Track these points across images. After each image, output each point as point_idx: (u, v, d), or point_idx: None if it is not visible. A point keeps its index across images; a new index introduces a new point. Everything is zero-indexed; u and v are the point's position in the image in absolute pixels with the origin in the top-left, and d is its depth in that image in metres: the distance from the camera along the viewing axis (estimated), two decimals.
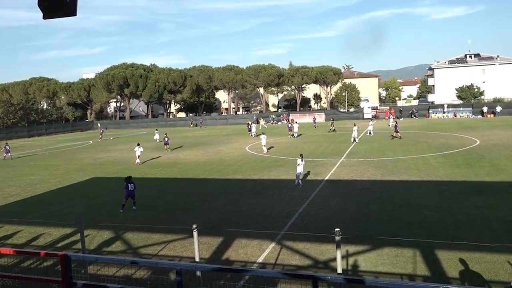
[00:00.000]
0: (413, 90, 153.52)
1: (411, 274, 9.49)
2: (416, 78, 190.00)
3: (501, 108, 60.62)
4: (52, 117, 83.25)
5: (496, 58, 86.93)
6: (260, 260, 10.77)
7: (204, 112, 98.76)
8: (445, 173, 20.32)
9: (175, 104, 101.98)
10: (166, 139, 36.02)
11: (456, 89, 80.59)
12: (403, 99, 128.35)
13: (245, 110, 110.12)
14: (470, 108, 64.46)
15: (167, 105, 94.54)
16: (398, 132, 36.39)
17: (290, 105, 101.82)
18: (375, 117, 67.22)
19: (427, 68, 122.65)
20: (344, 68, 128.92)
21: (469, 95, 77.77)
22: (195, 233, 7.49)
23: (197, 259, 7.58)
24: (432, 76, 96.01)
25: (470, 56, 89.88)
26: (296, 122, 48.94)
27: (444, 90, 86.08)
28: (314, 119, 61.93)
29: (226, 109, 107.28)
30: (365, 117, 67.19)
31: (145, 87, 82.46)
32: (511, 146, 28.22)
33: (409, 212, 14.14)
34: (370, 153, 28.36)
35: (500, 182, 17.91)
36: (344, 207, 15.21)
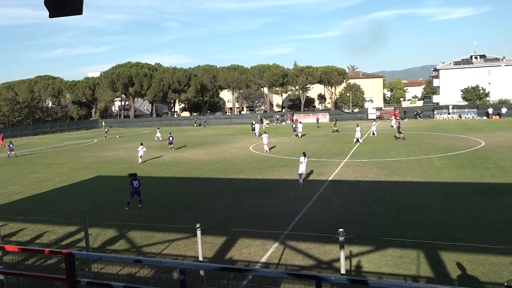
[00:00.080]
0: (418, 91, 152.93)
1: (415, 275, 9.46)
2: (421, 79, 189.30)
3: (506, 110, 60.28)
4: (57, 115, 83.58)
5: (502, 60, 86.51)
6: (263, 260, 10.77)
7: (208, 111, 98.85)
8: (450, 175, 20.24)
9: (180, 103, 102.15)
10: (171, 138, 36.07)
11: (461, 90, 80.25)
12: (407, 100, 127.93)
13: (249, 110, 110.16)
14: (475, 110, 64.15)
15: (172, 104, 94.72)
16: (401, 133, 36.29)
17: (294, 105, 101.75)
18: (379, 117, 67.06)
19: (432, 69, 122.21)
20: (348, 68, 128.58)
21: (474, 96, 77.42)
22: (198, 232, 7.49)
23: (200, 258, 7.58)
24: (437, 77, 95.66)
25: (476, 57, 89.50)
26: (300, 122, 48.90)
27: (449, 91, 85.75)
28: (317, 119, 61.87)
29: (230, 108, 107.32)
30: (369, 117, 67.01)
31: (149, 86, 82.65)
32: None
33: (413, 213, 14.10)
34: (374, 154, 28.30)
35: (505, 184, 17.82)
36: (348, 208, 15.18)
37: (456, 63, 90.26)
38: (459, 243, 10.95)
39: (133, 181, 16.34)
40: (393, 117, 59.44)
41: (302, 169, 19.72)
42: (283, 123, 71.42)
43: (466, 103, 74.76)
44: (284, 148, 34.61)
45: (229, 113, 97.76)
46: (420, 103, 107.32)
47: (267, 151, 31.82)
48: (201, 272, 7.30)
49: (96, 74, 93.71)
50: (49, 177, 25.20)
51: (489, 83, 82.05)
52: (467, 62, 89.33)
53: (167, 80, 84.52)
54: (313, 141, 39.20)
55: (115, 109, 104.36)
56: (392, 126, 50.13)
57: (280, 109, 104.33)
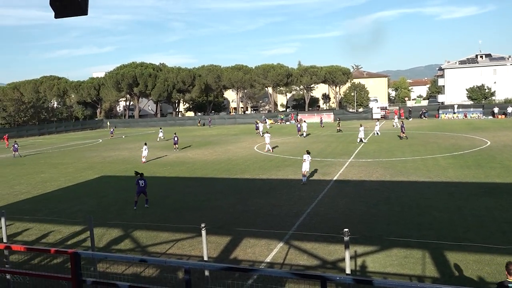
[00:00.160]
0: (423, 90, 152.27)
1: (420, 275, 9.43)
2: (426, 78, 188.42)
3: None
4: (62, 116, 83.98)
5: (508, 59, 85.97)
6: (268, 259, 10.77)
7: (213, 111, 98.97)
8: (455, 174, 20.15)
9: (184, 103, 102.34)
10: (176, 138, 36.13)
11: (466, 89, 79.83)
12: (412, 100, 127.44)
13: (254, 110, 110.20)
14: (481, 109, 63.81)
15: (176, 104, 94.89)
16: (403, 133, 36.19)
17: (299, 105, 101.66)
18: (384, 117, 66.85)
19: (437, 68, 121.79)
20: (353, 68, 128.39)
21: (479, 96, 77.01)
22: (203, 232, 7.50)
23: (205, 258, 7.59)
24: (442, 76, 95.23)
25: (481, 56, 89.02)
26: (304, 121, 48.88)
27: (455, 91, 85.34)
28: (321, 119, 61.76)
29: (235, 108, 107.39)
30: (374, 117, 66.84)
31: (154, 86, 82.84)
32: None
33: (418, 213, 14.05)
34: (379, 154, 28.22)
35: (511, 184, 17.72)
36: (353, 208, 15.15)
37: (462, 62, 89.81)
38: (465, 243, 10.90)
39: (139, 181, 16.41)
40: (396, 116, 59.19)
41: (305, 167, 19.79)
42: (288, 123, 71.37)
43: (472, 102, 74.37)
44: (289, 148, 34.59)
45: (234, 113, 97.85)
46: (425, 103, 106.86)
47: (269, 150, 31.91)
48: (206, 272, 7.32)
49: (101, 74, 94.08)
50: (54, 177, 25.32)
51: (495, 82, 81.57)
52: (473, 61, 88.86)
53: (172, 80, 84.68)
54: (318, 140, 39.15)
55: (120, 109, 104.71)
56: (394, 126, 50.01)
57: (284, 109, 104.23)
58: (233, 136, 48.55)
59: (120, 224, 14.29)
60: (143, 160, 29.55)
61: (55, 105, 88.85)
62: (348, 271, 6.67)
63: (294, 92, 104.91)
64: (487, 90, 77.43)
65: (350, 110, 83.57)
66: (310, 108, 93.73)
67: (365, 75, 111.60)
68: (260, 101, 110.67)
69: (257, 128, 49.06)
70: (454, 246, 10.77)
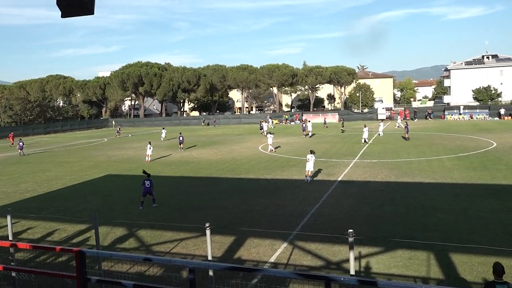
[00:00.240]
0: (428, 91, 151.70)
1: (425, 277, 9.39)
2: (431, 79, 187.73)
3: None
4: (68, 115, 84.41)
5: None
6: (272, 259, 10.77)
7: (218, 111, 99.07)
8: (461, 176, 20.05)
9: (189, 103, 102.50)
10: (181, 138, 36.20)
11: (472, 90, 79.40)
12: (418, 100, 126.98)
13: (259, 110, 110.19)
14: (487, 110, 63.46)
15: (181, 104, 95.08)
16: (407, 133, 36.12)
17: (304, 105, 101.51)
18: (389, 117, 66.64)
19: (443, 69, 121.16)
20: (358, 68, 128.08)
21: (486, 97, 76.56)
22: (207, 232, 7.50)
23: (209, 258, 7.60)
24: (448, 77, 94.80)
25: (488, 57, 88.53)
26: (309, 121, 48.86)
27: (460, 92, 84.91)
28: (325, 119, 61.64)
29: (240, 108, 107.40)
30: (379, 117, 66.65)
31: (159, 85, 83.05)
32: None
33: (423, 214, 14.00)
34: (384, 155, 28.13)
35: None
36: (357, 208, 15.12)
37: (468, 63, 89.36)
38: (470, 245, 10.83)
39: (145, 181, 16.47)
40: (399, 117, 58.91)
41: (309, 167, 19.89)
42: (292, 123, 71.33)
43: (478, 103, 73.97)
44: (294, 148, 34.56)
45: (238, 113, 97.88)
46: (430, 104, 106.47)
47: (272, 150, 32.07)
48: (210, 272, 7.32)
49: (107, 74, 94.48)
50: (60, 175, 25.45)
51: (501, 83, 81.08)
52: (479, 62, 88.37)
53: (177, 80, 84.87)
54: (323, 141, 39.09)
55: (125, 109, 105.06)
56: (397, 126, 49.89)
57: (289, 109, 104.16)
58: (237, 136, 48.58)
59: (124, 223, 14.33)
60: (148, 159, 29.68)
61: (61, 104, 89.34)
62: (352, 272, 6.65)
63: (299, 92, 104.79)
64: (493, 91, 76.97)
65: (355, 110, 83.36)
66: (315, 109, 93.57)
67: (371, 76, 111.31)
68: (265, 101, 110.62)
69: (261, 128, 49.18)
70: (459, 248, 10.72)
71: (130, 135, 57.54)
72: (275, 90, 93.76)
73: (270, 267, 10.20)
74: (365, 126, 37.25)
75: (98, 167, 28.04)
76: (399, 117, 58.58)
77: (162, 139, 45.96)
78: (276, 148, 33.41)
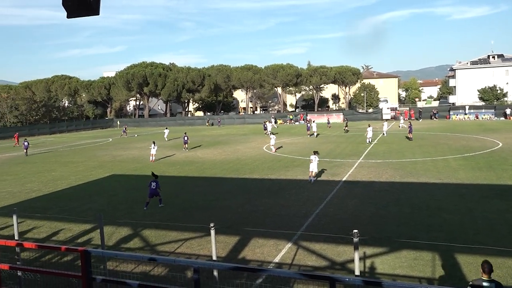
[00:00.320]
0: (433, 91, 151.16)
1: (430, 277, 9.36)
2: (437, 79, 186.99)
3: None
4: (73, 115, 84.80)
5: None
6: (276, 260, 10.76)
7: (222, 111, 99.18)
8: (466, 176, 19.95)
9: (193, 103, 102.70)
10: (186, 138, 36.27)
11: (478, 90, 79.04)
12: (423, 100, 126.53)
13: (263, 110, 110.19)
14: (493, 110, 63.12)
15: (186, 104, 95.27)
16: (410, 133, 36.00)
17: (308, 105, 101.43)
18: (394, 118, 66.44)
19: (448, 69, 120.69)
20: (363, 68, 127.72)
21: (491, 97, 76.18)
22: (212, 232, 7.51)
23: (214, 258, 7.61)
24: (453, 77, 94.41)
25: (493, 57, 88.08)
26: (313, 121, 48.81)
27: (466, 91, 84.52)
28: (328, 119, 61.52)
29: (244, 108, 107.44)
30: (384, 118, 66.46)
31: (164, 85, 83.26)
32: None
33: (428, 215, 13.94)
34: (389, 155, 28.05)
35: None
36: (362, 209, 15.08)
37: (473, 62, 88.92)
38: (475, 246, 10.78)
39: (152, 183, 16.51)
40: (401, 117, 58.63)
41: (312, 167, 19.93)
42: (297, 123, 71.27)
43: (483, 103, 73.62)
44: (298, 148, 34.53)
45: (243, 113, 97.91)
46: (435, 104, 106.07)
47: (273, 150, 32.23)
48: (215, 272, 7.33)
49: (112, 74, 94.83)
50: (65, 175, 25.56)
51: (507, 83, 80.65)
52: (485, 61, 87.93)
53: (181, 80, 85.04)
54: (327, 141, 39.04)
55: (130, 109, 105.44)
56: (400, 127, 49.75)
57: (293, 109, 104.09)
58: (242, 136, 48.60)
59: (129, 223, 14.37)
60: (152, 158, 29.76)
61: (66, 104, 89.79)
62: (357, 272, 6.64)
63: (303, 92, 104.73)
64: (499, 91, 76.57)
65: (360, 110, 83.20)
66: (320, 109, 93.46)
67: (375, 76, 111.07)
68: (270, 101, 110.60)
69: (265, 128, 49.19)
70: (464, 249, 10.67)
71: (136, 135, 57.78)
72: (279, 90, 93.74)
73: (275, 267, 10.20)
74: (369, 126, 37.18)
75: (103, 167, 28.14)
76: (401, 117, 58.31)
77: (165, 138, 46.12)
78: (278, 148, 33.42)
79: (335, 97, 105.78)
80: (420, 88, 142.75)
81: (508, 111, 60.27)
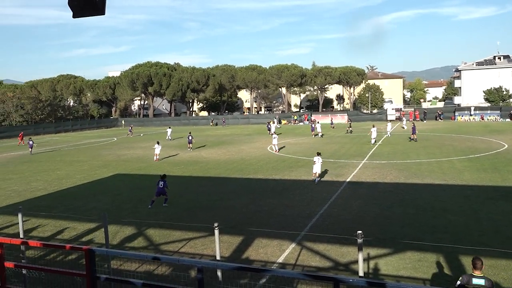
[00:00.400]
0: (438, 92, 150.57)
1: (434, 279, 9.32)
2: (442, 79, 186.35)
3: None
4: (78, 114, 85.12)
5: None
6: (280, 260, 10.76)
7: (227, 111, 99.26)
8: (471, 177, 19.85)
9: (198, 102, 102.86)
10: (190, 137, 36.31)
11: (483, 91, 78.62)
12: (428, 101, 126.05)
13: (267, 110, 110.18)
14: (498, 111, 62.78)
15: (190, 104, 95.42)
16: (414, 134, 35.85)
17: (313, 106, 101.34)
18: (398, 118, 66.23)
19: (453, 70, 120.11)
20: (368, 68, 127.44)
21: (497, 98, 75.74)
22: (216, 232, 7.51)
23: (218, 258, 7.61)
24: (458, 78, 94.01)
25: (499, 58, 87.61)
26: (318, 122, 48.75)
27: (471, 92, 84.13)
28: (332, 120, 61.41)
29: (248, 108, 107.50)
30: (388, 118, 66.27)
31: (168, 85, 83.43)
32: None
33: (433, 216, 13.88)
34: (394, 156, 27.96)
35: None
36: (366, 210, 15.04)
37: (479, 63, 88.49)
38: (480, 248, 10.72)
39: (160, 181, 16.59)
40: (404, 118, 58.27)
41: (316, 169, 19.97)
42: (301, 123, 71.21)
43: (489, 104, 73.23)
44: (302, 148, 34.50)
45: (247, 113, 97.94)
46: (440, 104, 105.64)
47: (276, 150, 32.30)
48: (219, 271, 7.34)
49: (117, 74, 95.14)
50: (70, 174, 25.67)
51: None
52: (490, 62, 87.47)
53: (186, 80, 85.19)
54: (331, 141, 38.97)
55: (134, 108, 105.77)
56: (404, 128, 49.59)
57: (298, 110, 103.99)
58: (246, 136, 48.61)
59: (133, 222, 14.41)
60: (155, 158, 29.85)
61: (71, 104, 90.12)
62: (361, 273, 6.62)
63: (308, 93, 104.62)
64: (505, 92, 76.12)
65: (364, 111, 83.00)
66: (324, 109, 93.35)
67: (380, 76, 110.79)
68: (274, 102, 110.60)
69: (269, 129, 49.20)
70: (469, 250, 10.61)
71: (142, 135, 58.02)
72: (284, 90, 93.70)
73: (278, 268, 10.19)
74: (373, 126, 37.08)
75: (108, 166, 28.23)
76: (404, 118, 57.96)
77: (169, 138, 46.18)
78: (280, 148, 33.38)
79: (340, 98, 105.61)
80: (425, 89, 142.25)
81: None
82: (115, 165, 28.94)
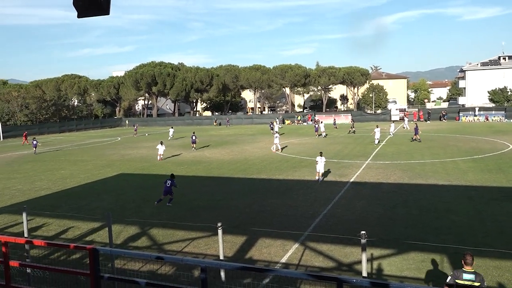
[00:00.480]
0: (443, 92, 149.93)
1: (438, 280, 9.29)
2: (446, 80, 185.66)
3: None
4: (83, 114, 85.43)
5: None
6: (283, 260, 10.76)
7: (230, 111, 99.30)
8: (475, 178, 19.78)
9: (202, 102, 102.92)
10: (194, 137, 36.36)
11: (488, 92, 78.30)
12: (432, 102, 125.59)
13: (271, 110, 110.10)
14: (503, 112, 62.47)
15: (194, 104, 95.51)
16: (417, 135, 35.74)
17: (316, 106, 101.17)
18: (403, 119, 66.00)
19: (458, 70, 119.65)
20: (372, 69, 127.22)
21: (502, 98, 75.40)
22: (219, 231, 7.53)
23: (221, 257, 7.63)
24: (463, 78, 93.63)
25: (504, 58, 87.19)
26: (321, 122, 48.69)
27: (476, 93, 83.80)
28: (334, 120, 61.22)
29: (252, 108, 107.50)
30: (392, 119, 66.05)
31: (172, 85, 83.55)
32: None
33: (437, 217, 13.84)
34: (397, 156, 27.89)
35: None
36: (370, 210, 15.01)
37: (483, 64, 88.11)
38: (484, 249, 10.68)
39: (167, 180, 16.69)
40: (406, 118, 57.84)
41: (318, 168, 20.06)
42: (305, 123, 71.15)
43: (493, 105, 72.90)
44: (306, 148, 34.47)
45: (251, 113, 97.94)
46: (445, 105, 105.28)
47: (278, 149, 32.44)
48: (222, 271, 7.35)
49: (121, 73, 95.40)
50: (74, 173, 25.76)
51: None
52: (495, 63, 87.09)
53: (190, 80, 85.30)
54: (335, 142, 38.92)
55: (138, 108, 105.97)
56: (405, 128, 49.43)
57: (301, 110, 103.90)
58: (250, 136, 48.62)
59: (137, 222, 14.45)
60: (159, 158, 29.92)
61: (75, 103, 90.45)
62: (364, 273, 6.62)
63: (311, 93, 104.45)
64: (509, 93, 75.77)
65: (368, 111, 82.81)
66: (328, 109, 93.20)
67: (384, 76, 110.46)
68: (278, 102, 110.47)
69: (272, 129, 49.22)
70: (473, 251, 10.53)
71: (147, 134, 58.24)
72: (287, 90, 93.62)
73: (282, 268, 10.19)
74: (377, 127, 37.01)
75: (112, 166, 28.31)
76: (406, 118, 57.38)
77: (171, 138, 46.24)
78: (283, 148, 33.39)
79: (344, 98, 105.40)
80: (430, 89, 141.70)
81: None
82: (119, 164, 29.02)
